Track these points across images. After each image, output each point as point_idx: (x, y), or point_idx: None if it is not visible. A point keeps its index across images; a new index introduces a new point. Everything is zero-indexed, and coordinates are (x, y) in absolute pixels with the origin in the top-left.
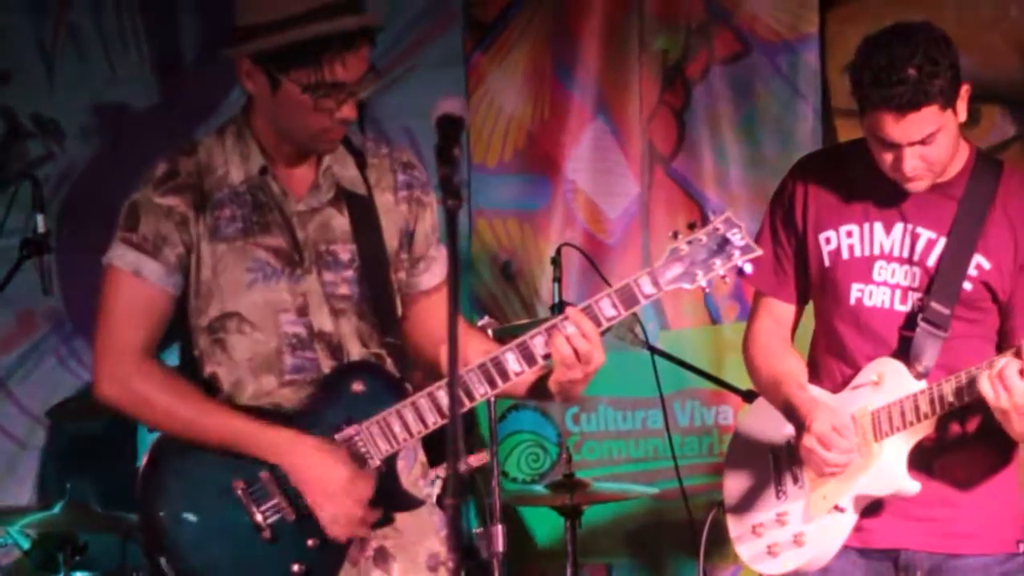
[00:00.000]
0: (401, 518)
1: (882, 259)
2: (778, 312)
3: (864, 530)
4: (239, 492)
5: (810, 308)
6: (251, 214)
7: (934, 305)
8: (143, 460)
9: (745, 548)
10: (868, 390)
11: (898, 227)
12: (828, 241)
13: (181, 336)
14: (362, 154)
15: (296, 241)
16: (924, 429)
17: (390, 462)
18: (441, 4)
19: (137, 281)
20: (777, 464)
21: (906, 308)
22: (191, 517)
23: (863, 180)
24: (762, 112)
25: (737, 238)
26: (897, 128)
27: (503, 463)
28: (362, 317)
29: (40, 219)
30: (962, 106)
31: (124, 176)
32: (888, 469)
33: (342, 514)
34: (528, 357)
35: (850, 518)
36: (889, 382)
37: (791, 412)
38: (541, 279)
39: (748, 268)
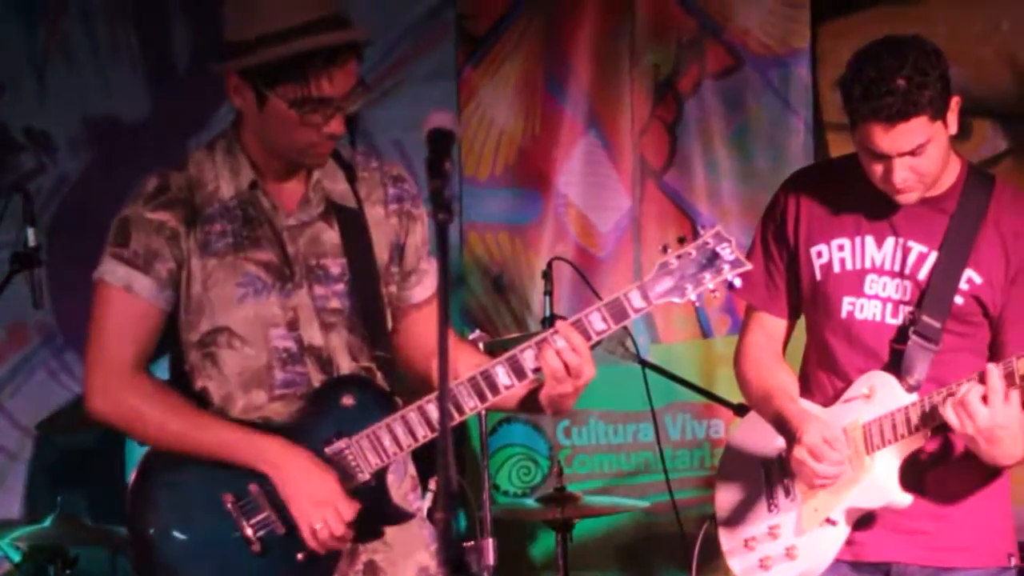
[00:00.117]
0: (391, 532)
1: (873, 272)
2: (769, 326)
3: (856, 543)
4: (229, 505)
5: (801, 322)
6: (241, 229)
7: (925, 319)
8: (132, 474)
9: (737, 561)
10: (859, 403)
11: (890, 241)
12: (820, 255)
13: (171, 350)
14: (352, 168)
15: (286, 255)
16: (916, 442)
17: (380, 476)
18: (433, 17)
19: (128, 296)
20: (769, 477)
21: (897, 321)
22: (181, 531)
23: (855, 194)
24: (754, 126)
25: (727, 252)
26: (887, 139)
27: (494, 476)
28: (352, 331)
29: (31, 232)
30: (953, 118)
31: (116, 189)
32: (880, 482)
33: (323, 527)
34: (518, 371)
35: (842, 531)
36: (880, 395)
37: (782, 424)
38: (532, 293)
39: (738, 282)
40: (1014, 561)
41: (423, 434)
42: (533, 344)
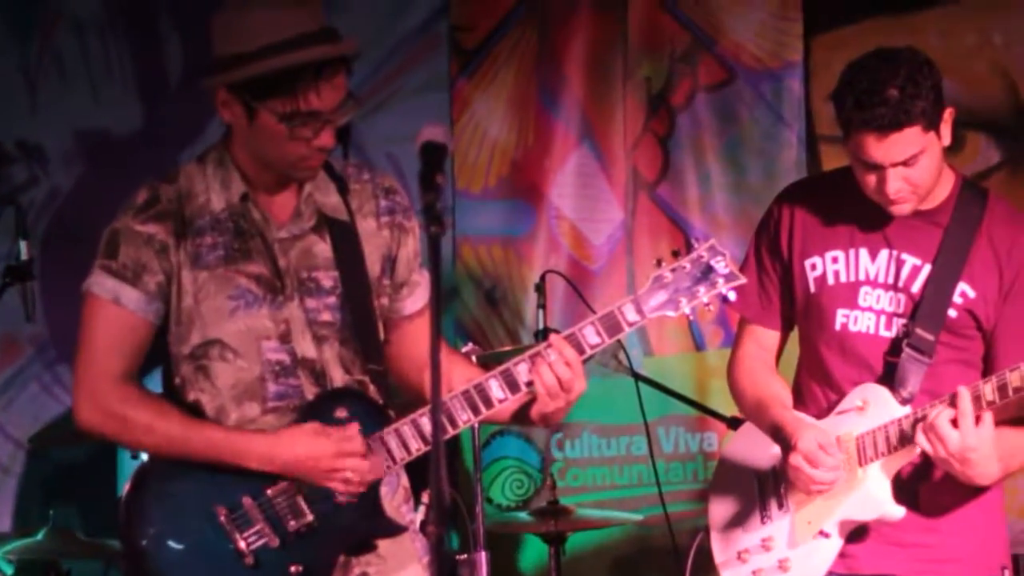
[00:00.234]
0: (384, 544)
1: (867, 285)
2: (763, 339)
3: (849, 556)
4: (222, 518)
5: (795, 334)
6: (232, 241)
7: (919, 331)
8: (125, 486)
9: (730, 573)
10: (853, 415)
11: (883, 253)
12: (814, 267)
13: (163, 363)
14: (344, 180)
15: (278, 268)
16: (909, 454)
17: (373, 488)
18: (426, 30)
19: (116, 309)
20: (762, 489)
21: (891, 334)
22: (174, 544)
23: (849, 207)
24: (746, 139)
25: (721, 266)
26: (880, 149)
27: (487, 489)
28: (345, 343)
29: (23, 245)
30: (946, 130)
31: (108, 202)
32: (873, 494)
33: (352, 473)
34: (511, 384)
35: (835, 543)
36: (874, 407)
37: (777, 432)
38: (525, 305)
39: (732, 296)
40: (1007, 574)
41: (416, 447)
42: (527, 358)
